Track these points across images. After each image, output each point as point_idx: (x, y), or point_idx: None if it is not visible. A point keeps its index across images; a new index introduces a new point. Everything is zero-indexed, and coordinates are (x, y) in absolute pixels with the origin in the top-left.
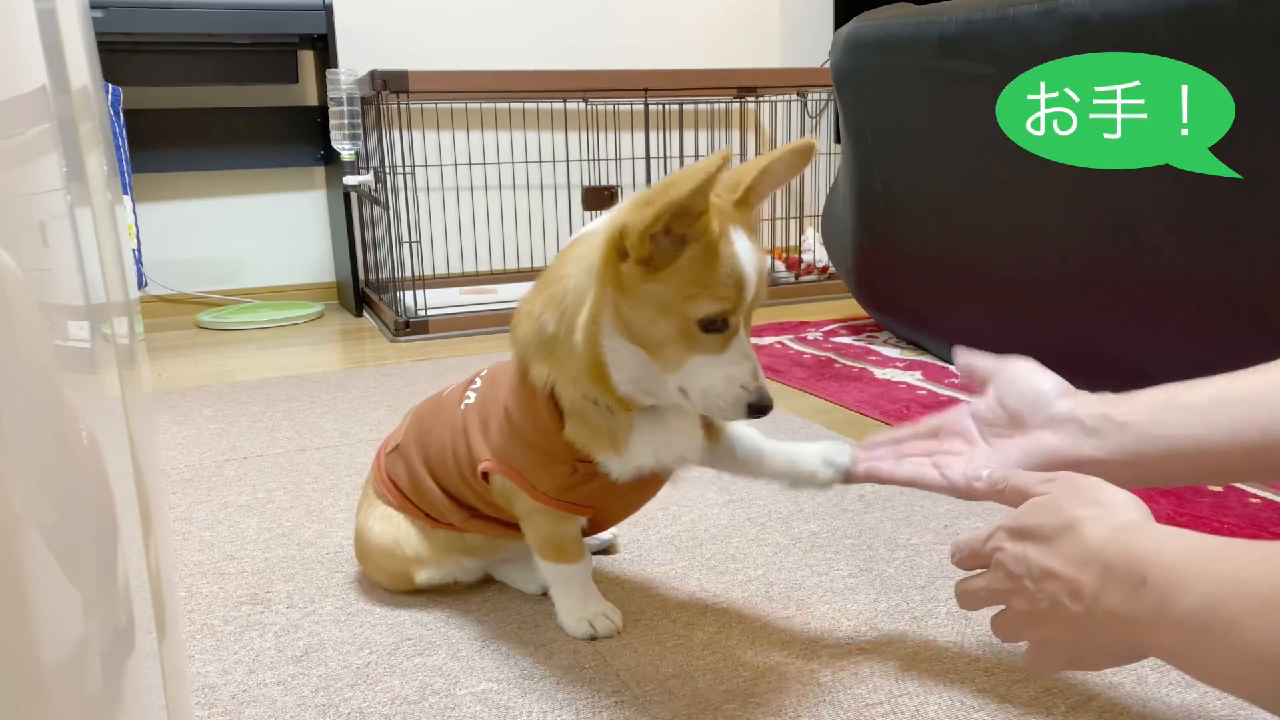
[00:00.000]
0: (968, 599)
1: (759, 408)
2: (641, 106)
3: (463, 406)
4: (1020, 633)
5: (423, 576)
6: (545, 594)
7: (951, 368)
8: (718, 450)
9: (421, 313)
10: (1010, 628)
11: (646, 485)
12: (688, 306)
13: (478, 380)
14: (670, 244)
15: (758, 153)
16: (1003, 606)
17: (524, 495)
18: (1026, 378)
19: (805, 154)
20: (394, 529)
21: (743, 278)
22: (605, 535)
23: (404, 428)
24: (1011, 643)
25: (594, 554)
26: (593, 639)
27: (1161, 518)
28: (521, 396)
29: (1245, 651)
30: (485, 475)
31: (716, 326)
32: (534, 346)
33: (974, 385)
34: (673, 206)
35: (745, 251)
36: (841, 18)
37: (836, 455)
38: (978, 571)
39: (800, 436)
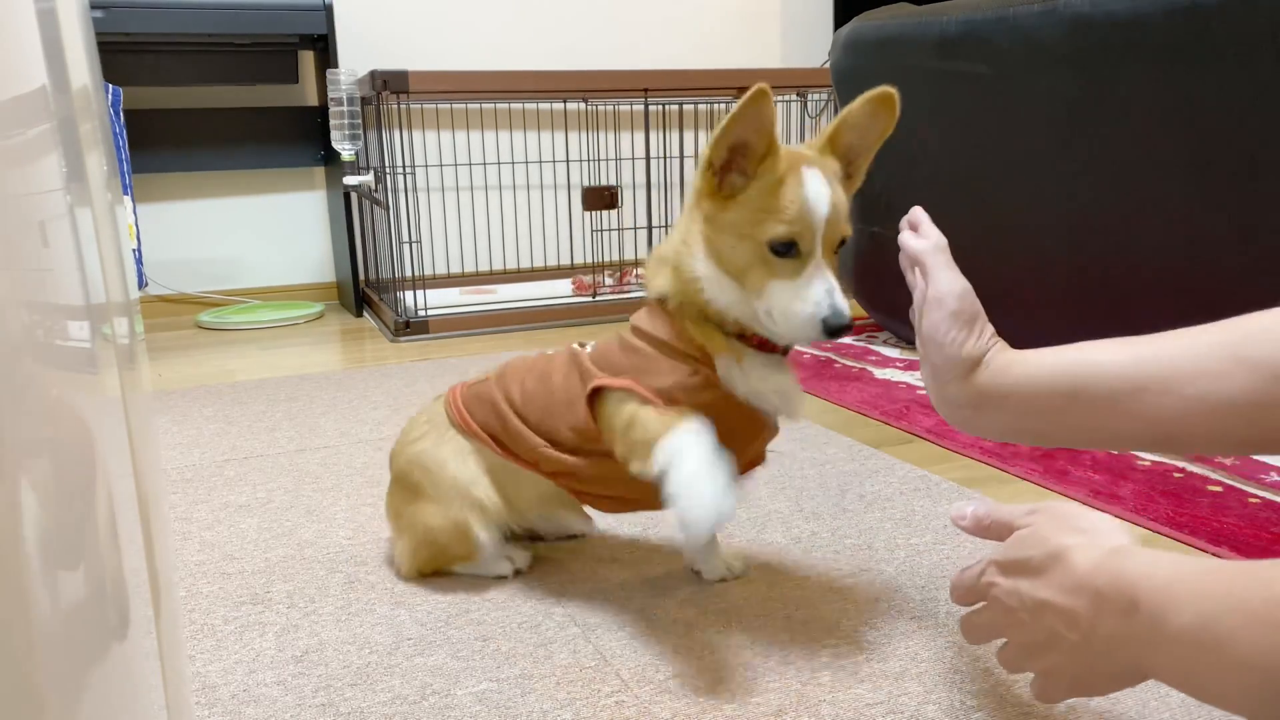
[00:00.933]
0: (974, 633)
1: (836, 326)
2: (641, 106)
3: (576, 347)
4: (1024, 664)
5: (482, 533)
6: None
7: None
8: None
9: (421, 313)
10: (1015, 659)
11: (751, 426)
12: (757, 230)
13: (585, 344)
14: (741, 179)
15: None
16: (1005, 640)
17: (633, 407)
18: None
19: (885, 102)
20: (469, 468)
21: (806, 204)
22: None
23: (496, 372)
24: (1019, 674)
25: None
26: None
27: (1162, 518)
28: (649, 312)
29: (1241, 666)
30: (592, 398)
31: (788, 251)
32: (654, 265)
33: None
34: (723, 139)
35: (812, 184)
36: (841, 18)
37: (733, 569)
38: (980, 605)
39: (801, 436)
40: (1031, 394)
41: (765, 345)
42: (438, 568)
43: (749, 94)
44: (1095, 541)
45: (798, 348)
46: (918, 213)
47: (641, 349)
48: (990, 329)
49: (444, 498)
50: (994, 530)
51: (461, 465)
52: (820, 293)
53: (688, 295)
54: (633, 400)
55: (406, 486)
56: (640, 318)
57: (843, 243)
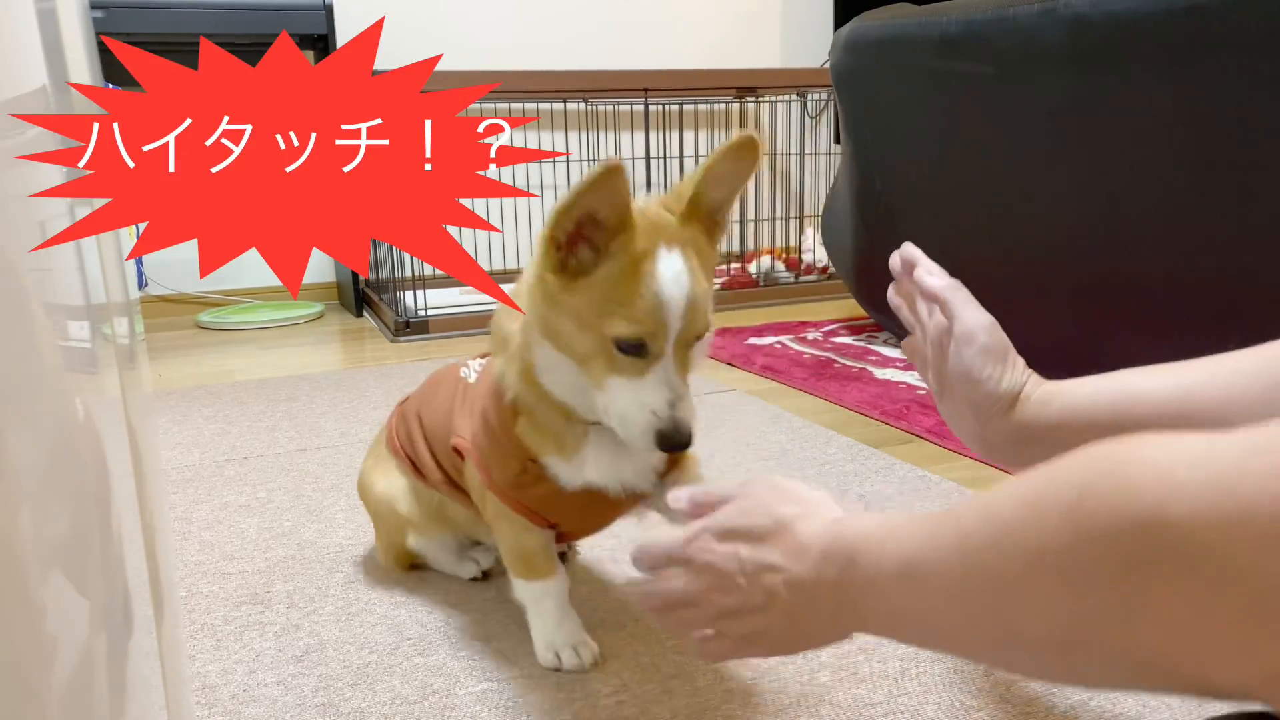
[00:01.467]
0: (653, 600)
1: (671, 439)
2: (641, 106)
3: (462, 374)
4: (721, 627)
5: (412, 540)
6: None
7: None
8: (663, 491)
9: (421, 313)
10: (706, 621)
11: (601, 506)
12: (602, 324)
13: (478, 361)
14: (591, 255)
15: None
16: (682, 610)
17: (490, 494)
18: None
19: (747, 149)
20: (393, 486)
21: (661, 301)
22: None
23: (418, 389)
24: (702, 643)
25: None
26: (558, 670)
27: None
28: (490, 386)
29: (940, 595)
30: (459, 452)
31: (635, 350)
32: (497, 339)
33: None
34: (559, 213)
35: (671, 273)
36: (841, 18)
37: None
38: (667, 572)
39: (801, 436)
40: (1076, 427)
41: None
42: (407, 564)
43: (600, 168)
44: (816, 511)
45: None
46: (912, 250)
47: (480, 429)
48: (1021, 360)
49: (377, 510)
50: (706, 508)
51: (388, 483)
52: (660, 402)
53: (526, 379)
54: (487, 490)
55: (361, 501)
56: (486, 391)
57: (698, 337)
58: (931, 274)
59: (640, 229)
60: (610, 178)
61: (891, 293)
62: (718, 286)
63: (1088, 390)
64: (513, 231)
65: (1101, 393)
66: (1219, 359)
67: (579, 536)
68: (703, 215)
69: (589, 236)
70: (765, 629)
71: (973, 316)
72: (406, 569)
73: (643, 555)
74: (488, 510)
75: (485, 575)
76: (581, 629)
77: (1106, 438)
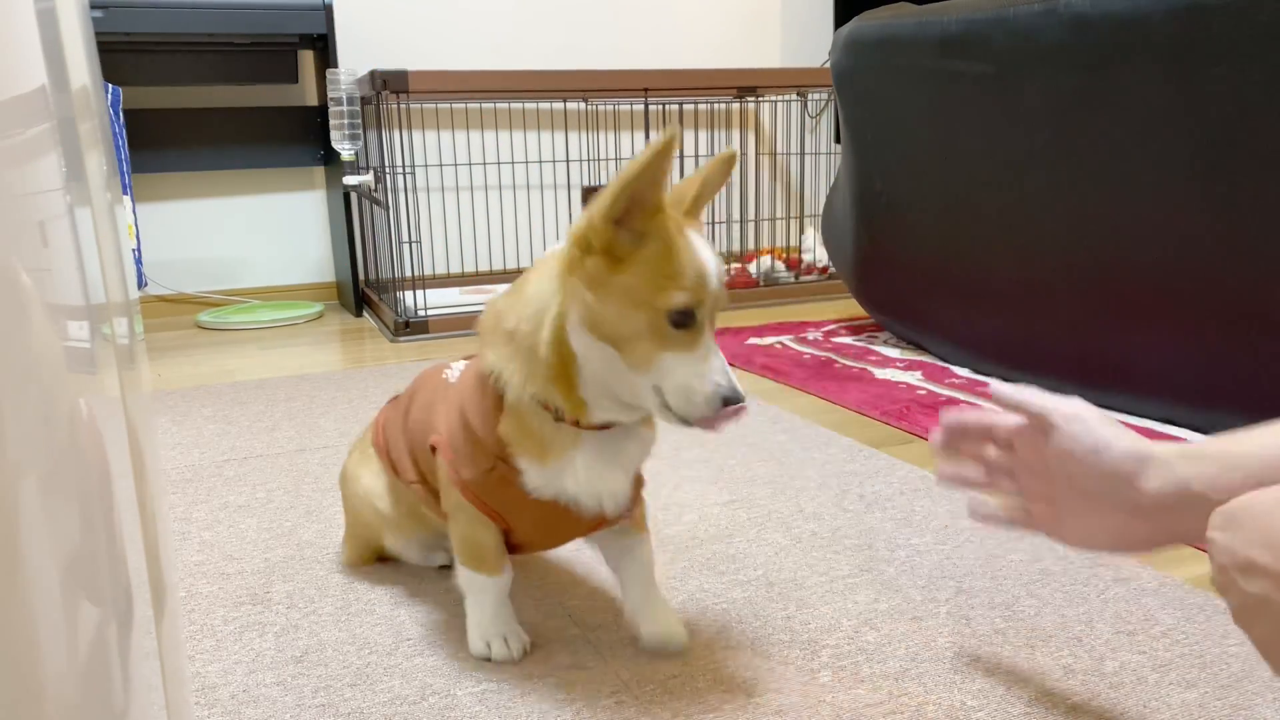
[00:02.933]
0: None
1: (733, 399)
2: (641, 106)
3: (446, 374)
4: (1246, 631)
5: (388, 539)
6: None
7: (951, 368)
8: (612, 537)
9: (421, 313)
10: (1239, 622)
11: (561, 522)
12: (657, 298)
13: (463, 362)
14: (631, 239)
15: (758, 153)
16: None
17: (455, 495)
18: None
19: (730, 162)
20: (376, 483)
21: (705, 271)
22: None
23: (407, 389)
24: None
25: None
26: (487, 659)
27: None
28: (473, 379)
29: None
30: (434, 449)
31: (685, 321)
32: (490, 334)
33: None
34: (628, 186)
35: (705, 249)
36: (841, 18)
37: (671, 644)
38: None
39: (801, 436)
40: (1221, 491)
41: (593, 426)
42: (371, 561)
43: (661, 140)
44: None
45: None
46: (1005, 391)
47: (455, 423)
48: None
49: (356, 506)
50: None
51: (371, 481)
52: (719, 370)
53: (535, 377)
54: (448, 482)
55: (341, 494)
56: (468, 388)
57: (722, 309)
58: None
59: (670, 216)
60: (670, 149)
61: (943, 466)
62: None
63: (1257, 443)
64: (513, 232)
65: (1253, 454)
66: None
67: (530, 550)
68: (696, 215)
69: (629, 221)
70: (1271, 639)
71: (1066, 399)
72: (370, 564)
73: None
74: (448, 500)
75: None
76: (515, 621)
77: None
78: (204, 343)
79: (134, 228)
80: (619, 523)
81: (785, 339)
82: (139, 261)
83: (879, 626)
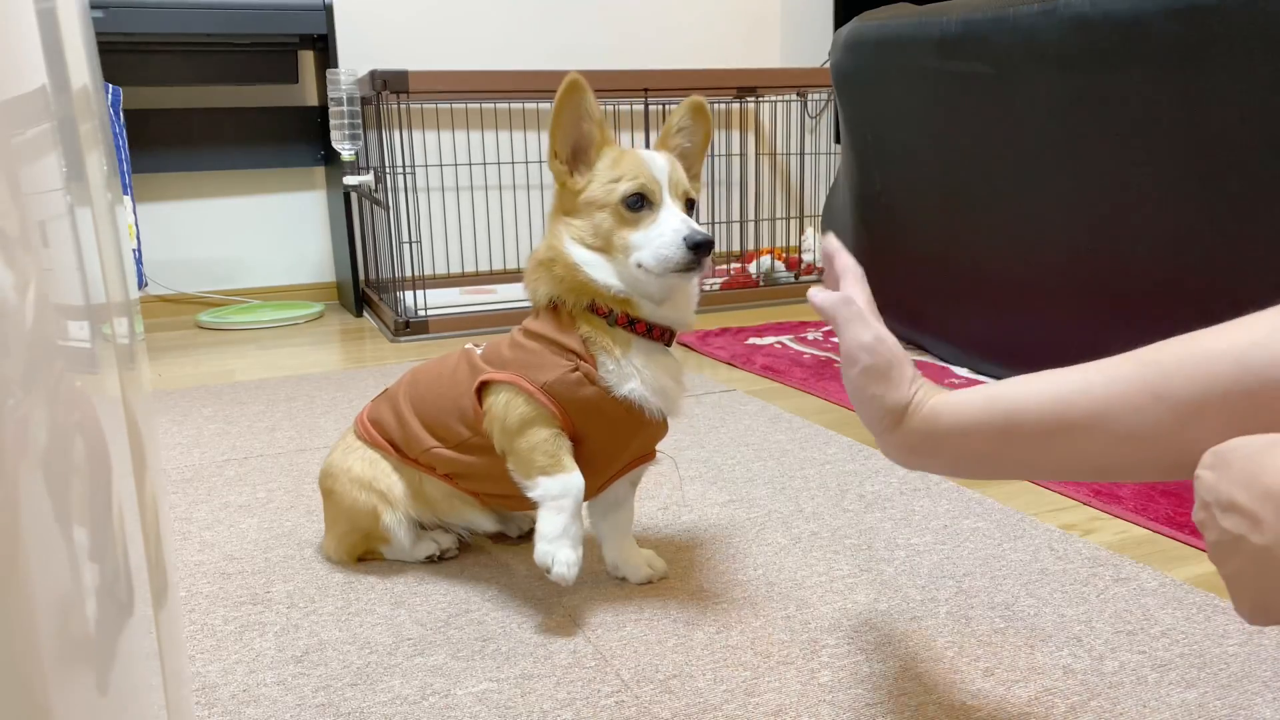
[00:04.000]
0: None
1: (697, 241)
2: (641, 106)
3: (469, 346)
4: (1219, 566)
5: (388, 517)
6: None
7: (951, 367)
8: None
9: (421, 313)
10: (1212, 557)
11: (629, 426)
12: (610, 194)
13: (479, 345)
14: (587, 169)
15: (758, 153)
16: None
17: (516, 405)
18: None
19: (698, 107)
20: (372, 468)
21: (644, 162)
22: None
23: (398, 380)
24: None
25: (519, 536)
26: (547, 571)
27: (1161, 518)
28: (541, 315)
29: None
30: (481, 391)
31: (640, 204)
32: (532, 274)
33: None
34: (552, 128)
35: (646, 153)
36: (841, 18)
37: (657, 574)
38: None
39: (801, 436)
40: (962, 438)
41: (652, 332)
42: (360, 552)
43: (565, 84)
44: None
45: (678, 279)
46: (831, 244)
47: (527, 345)
48: (911, 373)
49: (349, 493)
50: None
51: (365, 466)
52: (676, 222)
53: (572, 286)
54: (520, 396)
55: (325, 492)
56: (530, 321)
57: (691, 203)
58: (831, 281)
59: (617, 145)
60: (574, 90)
61: (819, 289)
62: (717, 286)
63: (975, 403)
64: (513, 232)
65: (988, 407)
66: (1101, 365)
67: (593, 469)
68: (669, 146)
69: (582, 156)
70: (1241, 574)
71: (853, 335)
72: (355, 561)
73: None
74: (511, 423)
75: (440, 557)
76: (581, 544)
77: (993, 446)
78: (204, 343)
79: (134, 228)
80: (657, 446)
81: (785, 339)
82: (139, 261)
83: (879, 626)
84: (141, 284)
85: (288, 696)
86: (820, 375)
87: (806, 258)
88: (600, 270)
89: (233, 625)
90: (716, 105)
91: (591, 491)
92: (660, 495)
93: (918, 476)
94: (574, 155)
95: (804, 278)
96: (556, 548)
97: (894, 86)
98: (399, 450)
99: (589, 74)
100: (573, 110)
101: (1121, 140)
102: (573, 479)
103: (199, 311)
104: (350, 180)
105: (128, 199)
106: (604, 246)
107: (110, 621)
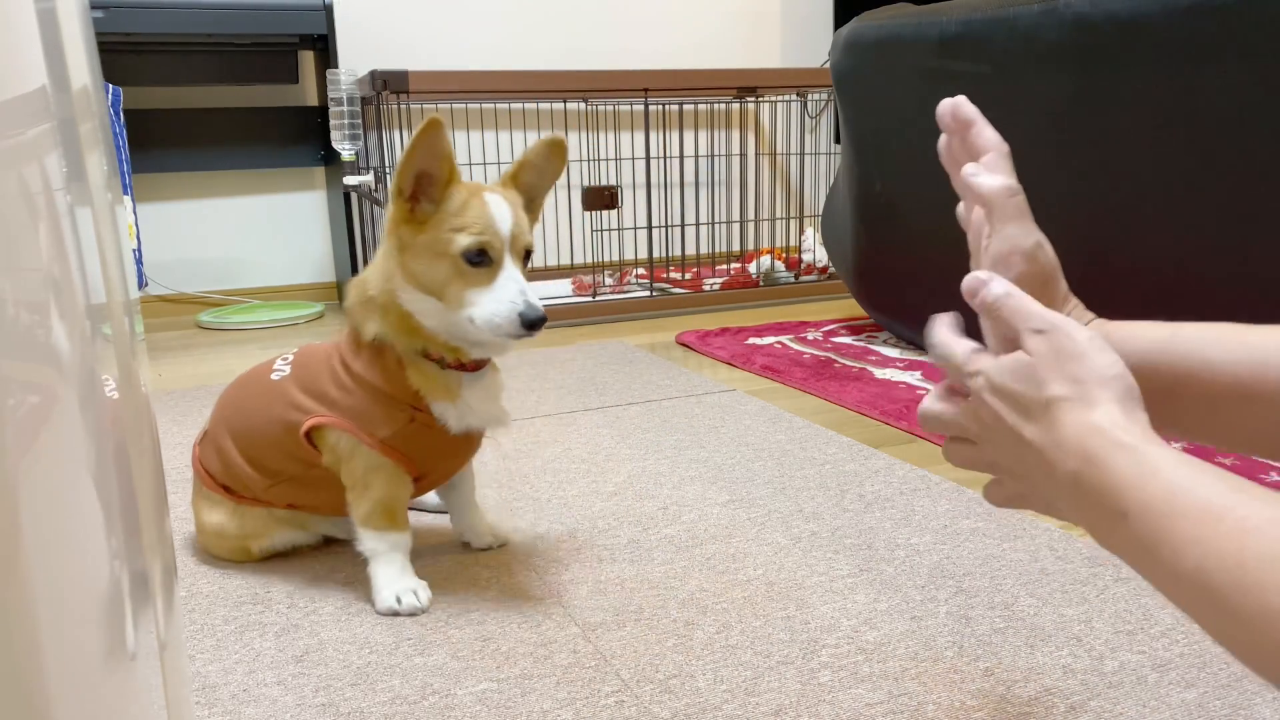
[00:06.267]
0: (931, 423)
1: (531, 319)
2: (641, 107)
3: (275, 378)
4: (984, 469)
5: (255, 547)
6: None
7: None
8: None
9: None
10: (971, 463)
11: (461, 450)
12: (450, 246)
13: (280, 361)
14: (430, 206)
15: (758, 153)
16: (958, 443)
17: (360, 453)
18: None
19: (556, 147)
20: (219, 515)
21: (491, 217)
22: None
23: (211, 416)
24: (963, 467)
25: (438, 511)
26: (395, 614)
27: None
28: (364, 354)
29: (1241, 620)
30: (309, 436)
31: (480, 260)
32: (360, 308)
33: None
34: (403, 168)
35: (494, 202)
36: (841, 18)
37: (499, 540)
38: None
39: (801, 436)
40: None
41: (474, 366)
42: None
43: (423, 125)
44: (1084, 401)
45: (501, 344)
46: (967, 108)
47: (356, 392)
48: (1065, 290)
49: (210, 542)
50: (998, 322)
51: (211, 514)
52: (514, 292)
53: (405, 331)
54: (361, 448)
55: (201, 548)
56: (350, 355)
57: (528, 255)
58: (982, 170)
59: (464, 184)
60: (432, 130)
61: (942, 146)
62: (717, 286)
63: (1151, 342)
64: None
65: (1165, 351)
66: None
67: (438, 484)
68: (520, 191)
69: (426, 191)
70: (1028, 493)
71: (1013, 234)
72: (257, 560)
73: (932, 347)
74: (356, 468)
75: (328, 540)
76: (415, 576)
77: (1156, 400)
78: (204, 343)
79: (134, 228)
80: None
81: (785, 339)
82: (139, 261)
83: (879, 626)
84: (141, 284)
85: (288, 696)
86: (820, 375)
87: (806, 258)
88: (435, 319)
89: (233, 625)
90: (716, 105)
91: (445, 480)
92: (661, 495)
93: (918, 476)
94: (417, 186)
95: (804, 278)
96: (397, 588)
97: (894, 86)
98: (234, 493)
99: (589, 74)
100: (427, 149)
101: (1122, 140)
102: (404, 537)
103: (199, 311)
104: (350, 180)
105: (128, 199)
106: (438, 294)
107: (111, 621)
